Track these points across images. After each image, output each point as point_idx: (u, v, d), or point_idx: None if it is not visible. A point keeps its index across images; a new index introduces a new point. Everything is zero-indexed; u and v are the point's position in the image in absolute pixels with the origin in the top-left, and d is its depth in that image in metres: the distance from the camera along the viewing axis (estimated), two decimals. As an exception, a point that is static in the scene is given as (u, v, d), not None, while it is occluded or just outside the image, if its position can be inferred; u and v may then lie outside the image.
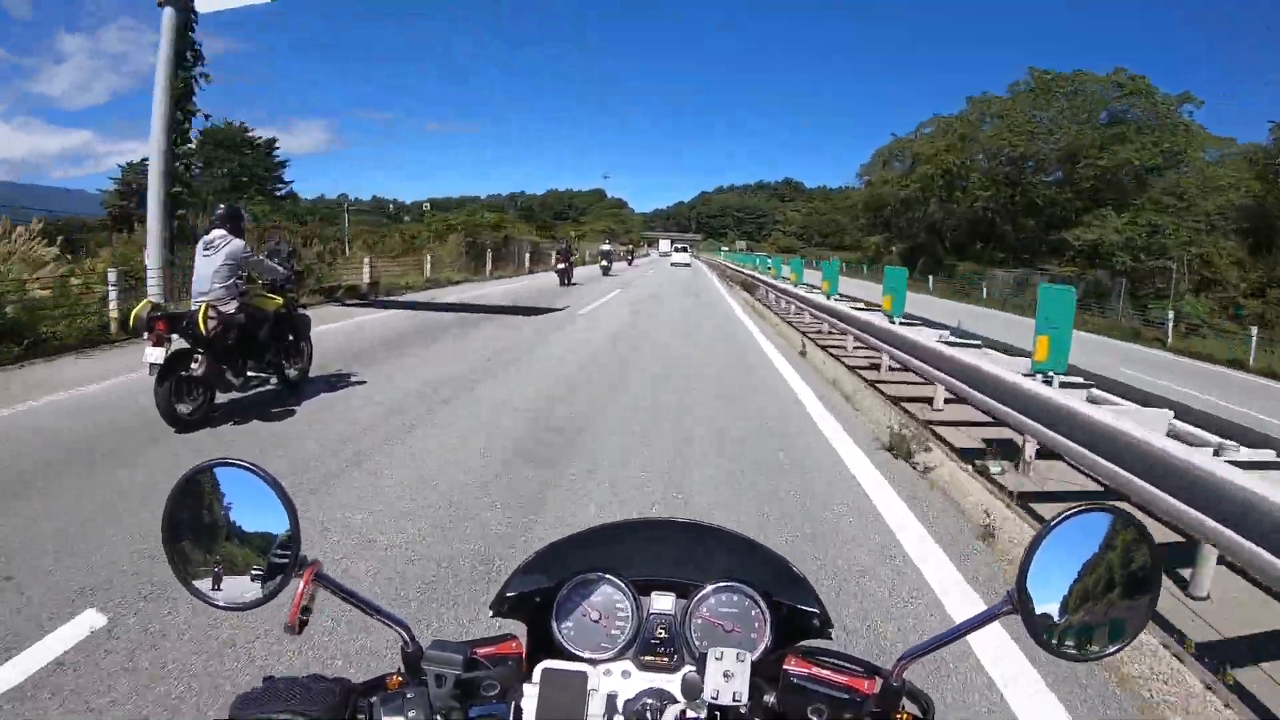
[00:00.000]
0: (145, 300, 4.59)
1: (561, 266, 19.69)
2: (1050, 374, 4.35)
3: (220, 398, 4.90)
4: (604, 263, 27.50)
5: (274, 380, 5.43)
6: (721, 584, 0.77)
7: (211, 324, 4.50)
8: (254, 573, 0.63)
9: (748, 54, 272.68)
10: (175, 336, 4.47)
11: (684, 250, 48.90)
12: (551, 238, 36.32)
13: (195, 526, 0.63)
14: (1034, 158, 36.99)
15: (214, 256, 4.76)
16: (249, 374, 4.98)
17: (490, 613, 0.80)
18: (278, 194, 43.52)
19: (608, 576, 0.78)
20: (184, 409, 4.43)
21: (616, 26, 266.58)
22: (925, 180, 42.39)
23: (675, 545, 0.87)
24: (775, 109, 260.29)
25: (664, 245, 63.30)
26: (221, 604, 0.63)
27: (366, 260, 15.53)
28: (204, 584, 0.63)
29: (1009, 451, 4.50)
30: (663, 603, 0.78)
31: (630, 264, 40.23)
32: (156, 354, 4.30)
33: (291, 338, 5.61)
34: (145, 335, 4.36)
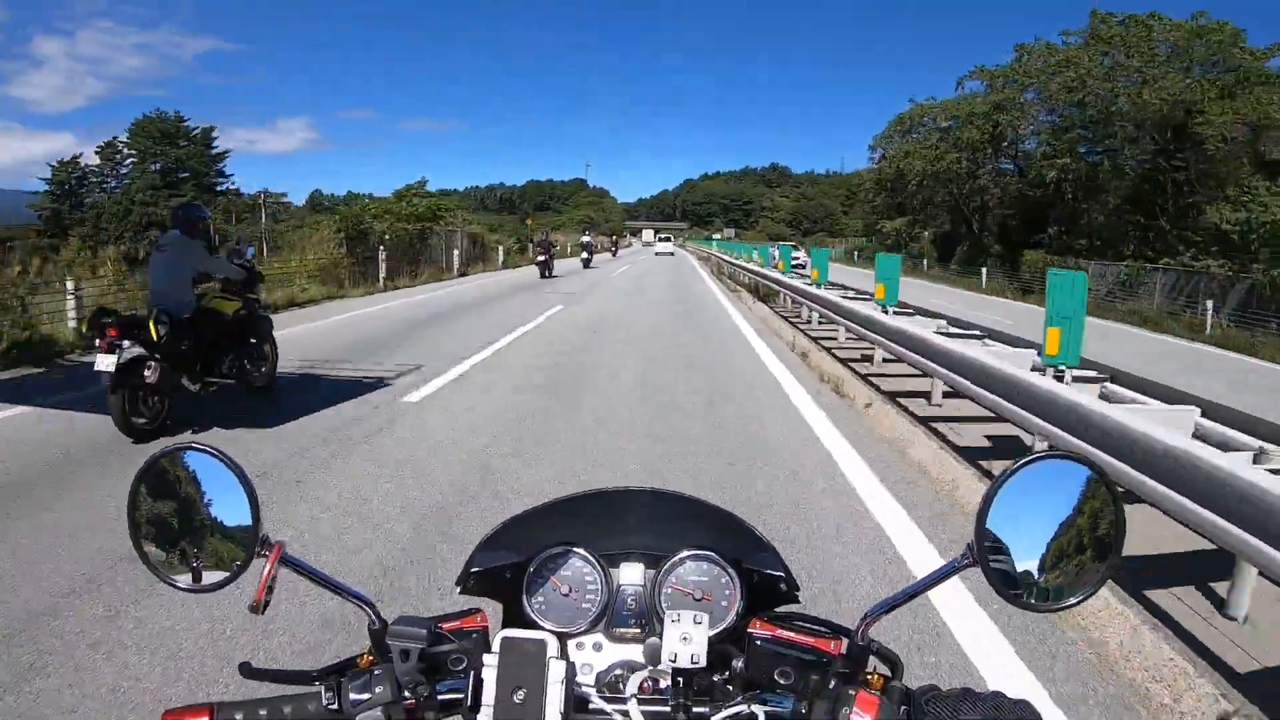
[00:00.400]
0: (98, 306, 4.37)
1: (542, 259, 19.41)
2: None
3: (181, 404, 4.73)
4: (584, 255, 26.49)
5: (239, 383, 5.29)
6: (690, 553, 0.78)
7: (163, 329, 4.40)
8: (218, 555, 0.65)
9: (731, 37, 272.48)
10: (127, 343, 4.31)
11: (667, 240, 53.84)
12: (523, 233, 34.38)
13: (159, 510, 0.65)
14: (1125, 117, 26.93)
15: (168, 258, 4.64)
16: (208, 380, 4.86)
17: (457, 589, 0.79)
18: (217, 189, 39.30)
19: (576, 549, 0.79)
20: (140, 419, 4.27)
21: (594, 12, 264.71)
22: (974, 145, 32.82)
23: (642, 514, 0.87)
24: (761, 93, 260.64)
25: (647, 235, 66.26)
26: (184, 586, 0.65)
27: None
28: (168, 567, 0.65)
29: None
30: (631, 574, 0.79)
31: (615, 255, 39.66)
32: (108, 361, 4.16)
33: (254, 341, 5.51)
34: (96, 343, 4.21)
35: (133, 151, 38.59)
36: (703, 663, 0.64)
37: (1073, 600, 0.63)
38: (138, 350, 4.35)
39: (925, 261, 36.16)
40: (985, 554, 0.61)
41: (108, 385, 4.13)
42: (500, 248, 27.39)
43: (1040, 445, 3.82)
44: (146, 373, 4.30)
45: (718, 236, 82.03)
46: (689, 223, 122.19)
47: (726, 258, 29.40)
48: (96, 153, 39.49)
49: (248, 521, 0.64)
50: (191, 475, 0.66)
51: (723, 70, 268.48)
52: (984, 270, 27.51)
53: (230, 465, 0.64)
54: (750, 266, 19.59)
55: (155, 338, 4.34)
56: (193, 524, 0.66)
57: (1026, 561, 0.62)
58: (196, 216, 4.86)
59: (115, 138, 39.86)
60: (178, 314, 4.54)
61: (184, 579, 0.65)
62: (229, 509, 0.65)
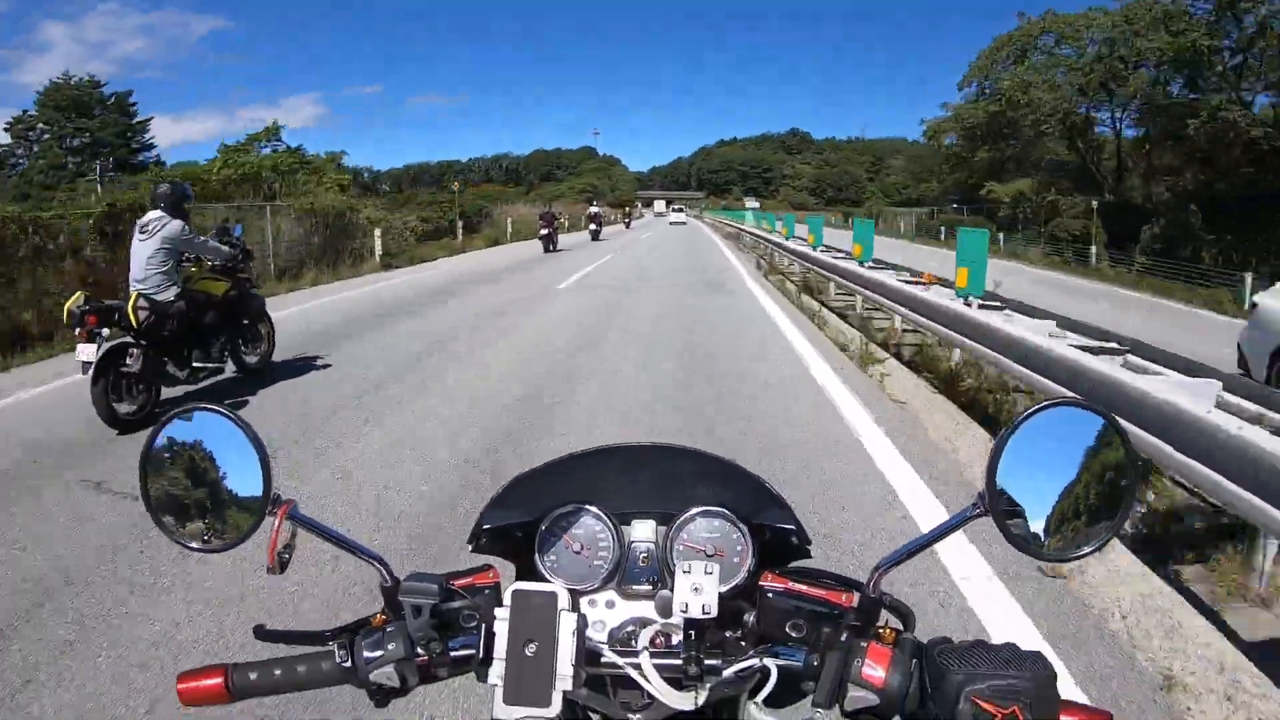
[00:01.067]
0: (77, 293, 4.38)
1: (545, 232, 19.15)
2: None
3: (172, 391, 4.79)
4: (593, 227, 25.83)
5: (232, 369, 5.36)
6: (701, 509, 0.80)
7: (143, 314, 4.38)
8: (229, 515, 0.67)
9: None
10: (107, 331, 4.33)
11: (680, 210, 57.35)
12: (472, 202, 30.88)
13: (170, 471, 0.68)
14: None
15: (150, 240, 4.60)
16: (196, 365, 4.88)
17: (469, 547, 0.82)
18: (137, 164, 34.33)
19: (587, 507, 0.80)
20: (125, 408, 4.31)
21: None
22: (1173, 60, 22.35)
23: (653, 470, 0.89)
24: (779, 56, 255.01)
25: (659, 206, 68.58)
26: (196, 546, 0.68)
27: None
28: (179, 527, 0.68)
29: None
30: (643, 531, 0.81)
31: (628, 226, 39.51)
32: (88, 351, 4.19)
33: (246, 322, 5.50)
34: (76, 331, 4.24)
35: (47, 126, 34.13)
36: (714, 613, 0.64)
37: (1086, 550, 0.63)
38: (124, 339, 4.38)
39: (1095, 251, 23.28)
40: (997, 503, 0.62)
41: (89, 376, 4.18)
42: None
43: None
44: (128, 360, 4.31)
45: (753, 205, 71.73)
46: (705, 191, 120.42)
47: (790, 246, 15.50)
48: (6, 129, 34.83)
49: (259, 480, 0.66)
50: (203, 436, 0.68)
51: (738, 32, 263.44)
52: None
53: (241, 425, 0.67)
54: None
55: (135, 324, 4.34)
56: (204, 484, 0.68)
57: (1038, 511, 0.63)
58: (180, 196, 4.82)
59: (25, 111, 34.95)
60: (160, 298, 4.55)
61: (196, 539, 0.68)
62: (241, 469, 0.67)
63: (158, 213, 4.66)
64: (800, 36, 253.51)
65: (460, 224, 22.07)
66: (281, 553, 0.66)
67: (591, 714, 0.70)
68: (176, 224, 4.64)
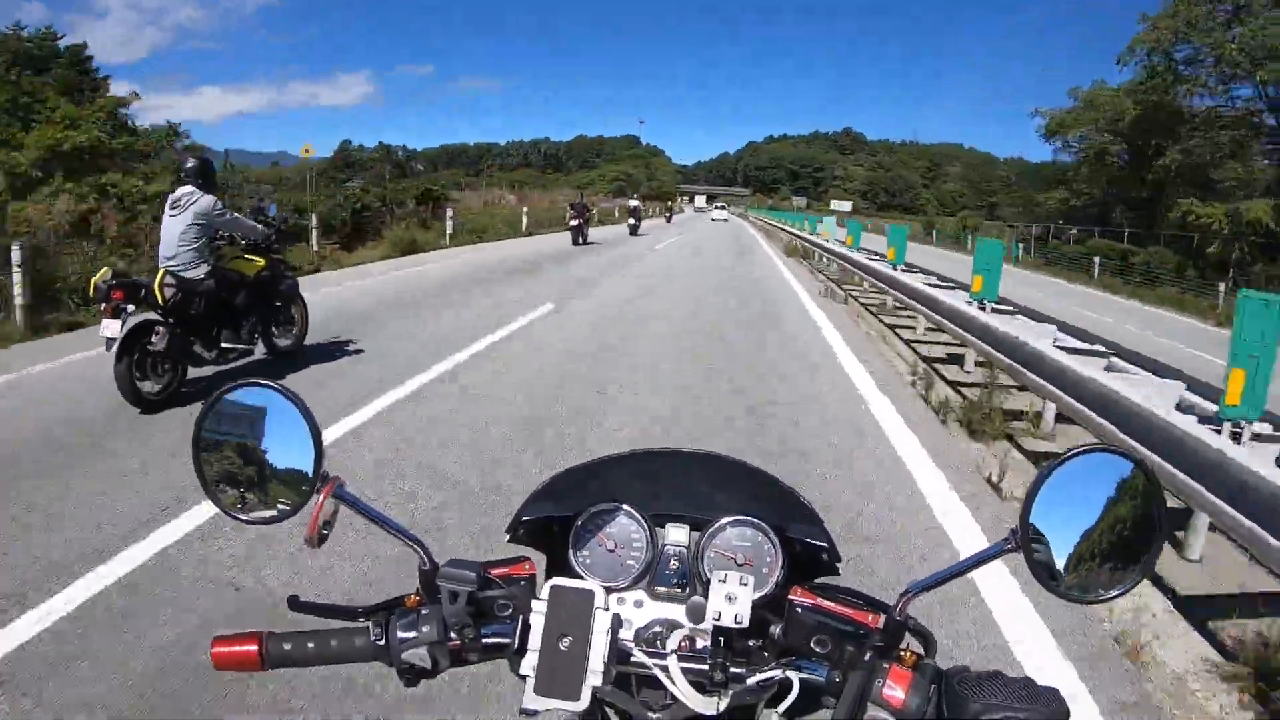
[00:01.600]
0: (104, 268, 4.36)
1: (575, 223, 18.20)
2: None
3: (199, 372, 4.78)
4: (631, 220, 25.43)
5: (262, 351, 5.34)
6: (735, 518, 0.83)
7: (169, 292, 4.36)
8: (279, 489, 0.71)
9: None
10: (132, 308, 4.31)
11: (723, 208, 57.71)
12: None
13: (222, 444, 0.72)
14: None
15: (181, 216, 4.57)
16: (225, 346, 4.84)
17: (506, 537, 0.86)
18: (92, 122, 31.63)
19: (624, 507, 0.84)
20: (149, 386, 4.29)
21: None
22: None
23: (691, 475, 0.94)
24: (834, 51, 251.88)
25: (700, 201, 70.01)
26: (245, 518, 0.71)
27: None
28: (230, 499, 0.72)
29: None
30: (677, 535, 0.85)
31: (669, 220, 39.68)
32: (112, 327, 4.19)
33: (279, 304, 5.49)
34: (101, 307, 4.22)
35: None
36: (745, 623, 0.68)
37: (1112, 593, 0.67)
38: (150, 316, 4.37)
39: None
40: (1029, 541, 0.65)
41: (113, 352, 4.14)
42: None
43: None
44: (153, 339, 4.26)
45: (843, 207, 66.79)
46: (752, 188, 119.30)
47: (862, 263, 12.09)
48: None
49: (310, 456, 0.69)
50: (257, 409, 0.71)
51: (792, 26, 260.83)
52: None
53: (295, 401, 0.70)
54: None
55: (161, 301, 4.33)
56: (256, 457, 0.71)
57: (1068, 551, 0.67)
58: (213, 172, 4.80)
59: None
60: (189, 276, 4.52)
61: (246, 511, 0.71)
62: (293, 444, 0.70)
63: (189, 188, 4.62)
64: (857, 32, 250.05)
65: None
66: (322, 528, 0.69)
67: (613, 711, 0.73)
68: (209, 199, 4.60)
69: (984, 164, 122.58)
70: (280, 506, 0.71)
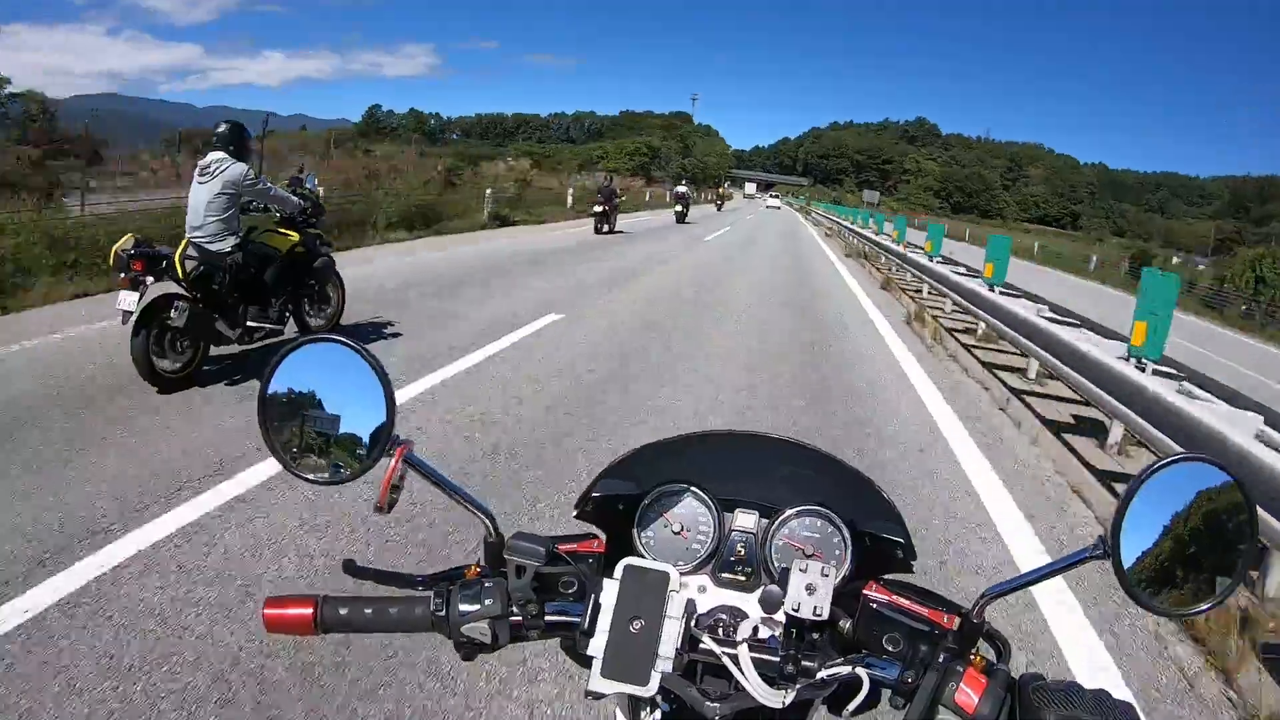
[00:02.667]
0: (126, 235, 4.27)
1: (599, 209, 17.36)
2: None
3: (224, 350, 4.75)
4: (679, 208, 25.18)
5: (293, 329, 5.31)
6: (806, 507, 0.88)
7: (190, 264, 4.30)
8: (347, 450, 0.73)
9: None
10: (151, 280, 4.21)
11: (776, 197, 60.47)
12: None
13: (291, 401, 0.73)
14: None
15: (209, 184, 4.48)
16: (251, 324, 4.78)
17: (574, 513, 0.89)
18: None
19: (692, 489, 0.89)
20: (167, 364, 4.23)
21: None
22: None
23: (764, 460, 0.96)
24: (908, 32, 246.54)
25: (750, 188, 72.18)
26: (312, 478, 0.73)
27: None
28: (296, 457, 0.73)
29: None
30: (745, 520, 0.89)
31: (719, 208, 39.34)
32: (129, 299, 4.14)
33: (313, 283, 5.43)
34: (119, 277, 4.13)
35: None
36: (825, 615, 0.70)
37: (1202, 606, 0.70)
38: (173, 289, 4.30)
39: None
40: (1119, 549, 0.68)
41: (129, 326, 4.10)
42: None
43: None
44: (173, 313, 4.20)
45: (869, 198, 69.12)
46: (811, 178, 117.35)
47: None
48: None
49: (381, 417, 0.71)
50: (327, 366, 0.73)
51: (864, 4, 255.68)
52: None
53: (368, 359, 0.71)
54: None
55: (182, 274, 4.25)
56: (324, 415, 0.74)
57: (1157, 561, 0.69)
58: (242, 135, 4.70)
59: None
60: (215, 248, 4.44)
61: (312, 471, 0.73)
62: (363, 404, 0.72)
63: (219, 154, 4.55)
64: (939, 13, 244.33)
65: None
66: (391, 493, 0.71)
67: (671, 697, 0.73)
68: (240, 167, 4.53)
69: (1066, 168, 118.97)
70: (346, 467, 0.73)
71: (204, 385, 4.32)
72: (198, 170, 4.57)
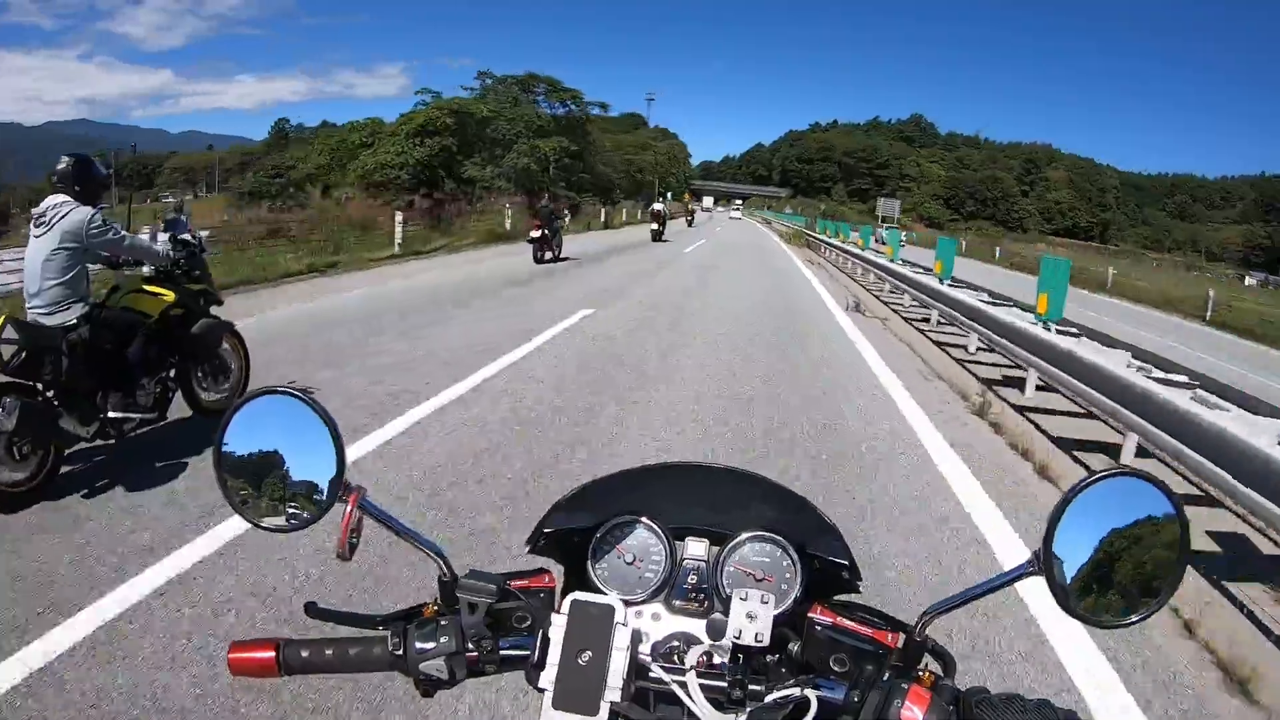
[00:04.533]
0: None
1: (537, 235, 17.81)
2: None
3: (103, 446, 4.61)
4: (655, 226, 27.77)
5: (179, 412, 5.20)
6: (754, 533, 1.09)
7: (11, 349, 4.06)
8: (301, 498, 0.90)
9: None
10: None
11: (738, 208, 69.19)
12: None
13: (245, 451, 0.91)
14: None
15: (46, 237, 4.31)
16: (115, 415, 4.52)
17: (526, 548, 1.11)
18: None
19: (643, 520, 1.10)
20: (6, 475, 3.92)
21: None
22: None
23: (712, 490, 1.17)
24: (894, 18, 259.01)
25: (707, 201, 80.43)
26: (267, 526, 0.91)
27: None
28: (251, 507, 0.91)
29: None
30: (696, 549, 1.10)
31: (690, 223, 42.68)
32: None
33: (193, 351, 5.26)
34: None
35: None
36: (766, 642, 0.89)
37: (1134, 617, 0.86)
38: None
39: None
40: (1051, 564, 0.84)
41: None
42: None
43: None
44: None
45: (889, 210, 71.26)
46: (792, 188, 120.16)
47: None
48: None
49: (332, 466, 0.89)
50: (278, 418, 0.90)
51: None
52: None
53: (318, 410, 0.89)
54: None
55: (2, 360, 4.03)
56: (278, 466, 0.91)
57: (1089, 575, 0.85)
58: (94, 175, 4.52)
59: None
60: (53, 322, 4.26)
61: (268, 518, 0.91)
62: (314, 452, 0.89)
63: (59, 197, 4.37)
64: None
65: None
66: (351, 537, 0.88)
67: None
68: (82, 213, 4.33)
69: (1090, 171, 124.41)
70: (301, 514, 0.91)
71: (58, 497, 4.05)
72: (33, 220, 4.35)
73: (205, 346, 5.27)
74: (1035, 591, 3.22)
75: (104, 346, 4.42)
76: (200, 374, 5.36)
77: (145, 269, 4.97)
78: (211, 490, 3.87)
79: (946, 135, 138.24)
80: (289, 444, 0.90)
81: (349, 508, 0.87)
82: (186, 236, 5.29)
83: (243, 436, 0.90)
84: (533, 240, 17.82)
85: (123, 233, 4.61)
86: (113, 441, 4.59)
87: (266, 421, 0.90)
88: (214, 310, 5.41)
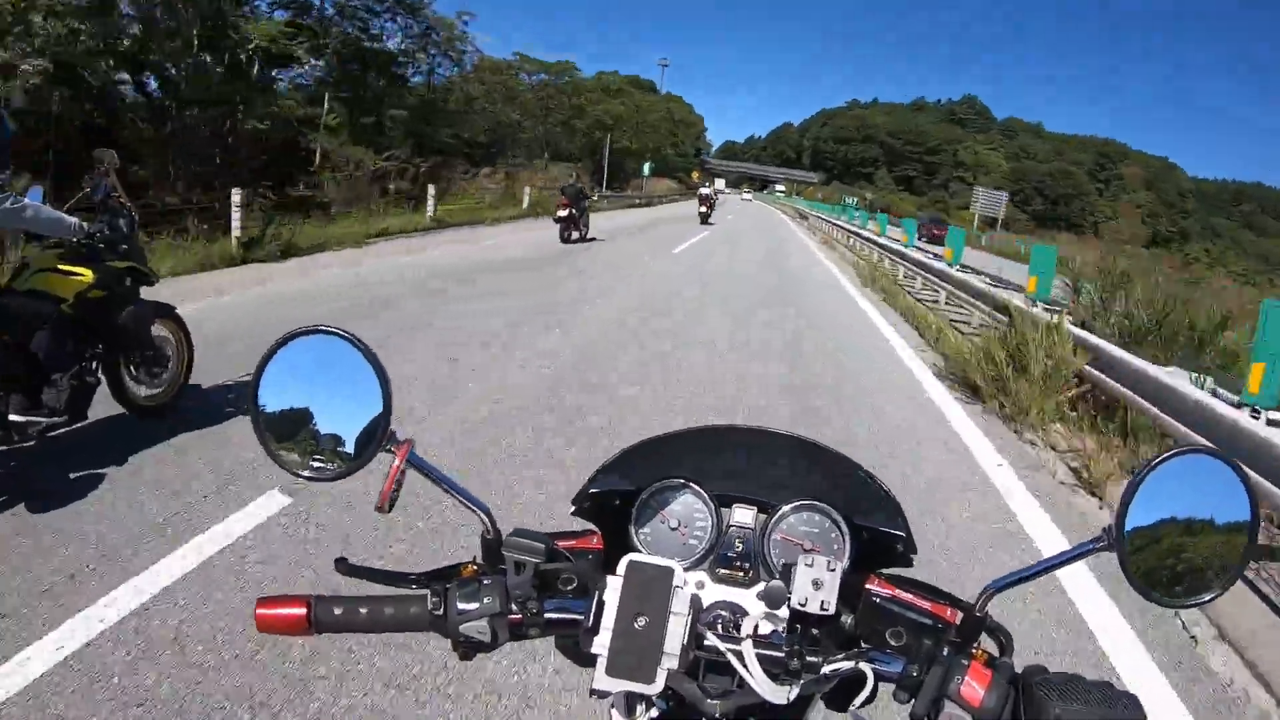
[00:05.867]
0: None
1: (565, 214, 19.96)
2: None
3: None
4: (702, 209, 34.01)
5: (105, 411, 5.25)
6: (803, 502, 1.20)
7: None
8: (341, 444, 0.99)
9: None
10: None
11: (749, 192, 73.45)
12: None
13: (284, 393, 1.00)
14: None
15: None
16: (16, 418, 4.47)
17: (571, 509, 1.22)
18: None
19: (690, 485, 1.22)
20: None
21: None
22: None
23: (762, 455, 1.31)
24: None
25: (719, 184, 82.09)
26: (305, 474, 1.00)
27: None
28: (288, 451, 1.00)
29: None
30: (743, 516, 1.22)
31: (705, 218, 44.53)
32: None
33: (123, 341, 5.24)
34: None
35: None
36: (832, 610, 0.99)
37: (1206, 596, 0.97)
38: None
39: None
40: (1124, 540, 0.94)
41: None
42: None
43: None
44: None
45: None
46: (824, 173, 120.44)
47: None
48: None
49: (377, 410, 0.98)
50: (322, 359, 0.98)
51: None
52: None
53: (366, 353, 0.97)
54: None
55: None
56: (319, 410, 1.00)
57: (1160, 552, 0.97)
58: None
59: None
60: None
61: (306, 467, 1.00)
62: (358, 399, 0.98)
63: None
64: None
65: None
66: (393, 492, 0.97)
67: (672, 695, 0.99)
68: None
69: (1164, 171, 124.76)
70: (339, 464, 1.00)
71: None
72: None
73: (131, 335, 5.22)
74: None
75: (2, 338, 4.37)
76: (132, 367, 5.32)
77: (61, 243, 4.89)
78: (130, 515, 4.11)
79: (1004, 121, 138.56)
80: (332, 388, 0.98)
81: (397, 461, 0.97)
82: (112, 199, 5.24)
83: (282, 378, 0.98)
84: (560, 220, 19.94)
85: (23, 201, 4.53)
86: (33, 444, 4.57)
87: (309, 362, 0.98)
88: (146, 291, 5.37)
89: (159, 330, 5.56)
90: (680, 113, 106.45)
